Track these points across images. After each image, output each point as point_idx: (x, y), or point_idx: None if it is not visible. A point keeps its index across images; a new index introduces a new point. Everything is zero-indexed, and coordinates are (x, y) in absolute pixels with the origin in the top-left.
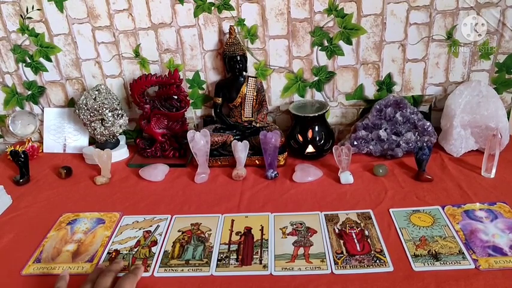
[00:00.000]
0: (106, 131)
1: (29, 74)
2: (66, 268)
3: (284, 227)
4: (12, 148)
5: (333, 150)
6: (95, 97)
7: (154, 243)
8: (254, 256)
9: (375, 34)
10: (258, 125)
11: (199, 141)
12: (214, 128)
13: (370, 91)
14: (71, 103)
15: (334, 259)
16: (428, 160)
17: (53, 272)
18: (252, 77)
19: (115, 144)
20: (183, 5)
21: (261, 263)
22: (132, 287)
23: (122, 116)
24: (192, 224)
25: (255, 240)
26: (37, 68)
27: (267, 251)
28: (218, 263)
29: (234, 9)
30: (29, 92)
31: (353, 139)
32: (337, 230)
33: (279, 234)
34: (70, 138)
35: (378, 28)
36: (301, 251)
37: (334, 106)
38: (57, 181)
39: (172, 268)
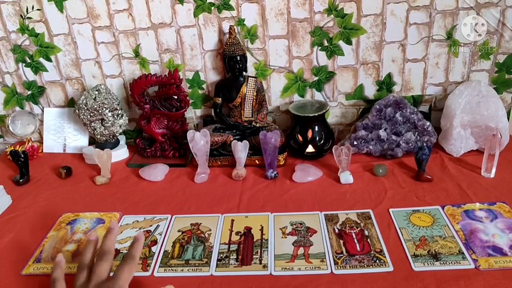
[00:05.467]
0: (106, 131)
1: (29, 74)
2: (61, 255)
3: (284, 227)
4: (12, 148)
5: (333, 150)
6: (95, 97)
7: (154, 242)
8: (254, 256)
9: (374, 34)
10: (258, 125)
11: (199, 141)
12: (214, 128)
13: (370, 91)
14: (71, 103)
15: (334, 259)
16: (428, 160)
17: None
18: (252, 77)
19: (115, 144)
20: (183, 5)
21: (260, 263)
22: (131, 274)
23: (122, 116)
24: (192, 224)
25: (254, 240)
26: (37, 68)
27: (267, 251)
28: (218, 263)
29: (234, 9)
30: (29, 92)
31: (353, 139)
32: (337, 230)
33: (278, 234)
34: (70, 138)
35: (378, 28)
36: (301, 251)
37: (334, 106)
38: (57, 181)
39: (172, 268)
